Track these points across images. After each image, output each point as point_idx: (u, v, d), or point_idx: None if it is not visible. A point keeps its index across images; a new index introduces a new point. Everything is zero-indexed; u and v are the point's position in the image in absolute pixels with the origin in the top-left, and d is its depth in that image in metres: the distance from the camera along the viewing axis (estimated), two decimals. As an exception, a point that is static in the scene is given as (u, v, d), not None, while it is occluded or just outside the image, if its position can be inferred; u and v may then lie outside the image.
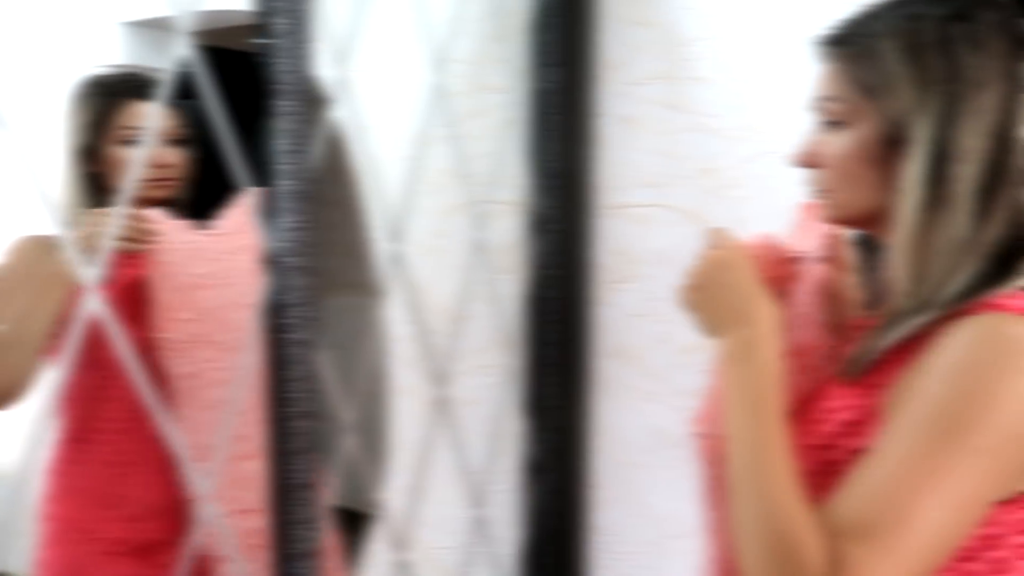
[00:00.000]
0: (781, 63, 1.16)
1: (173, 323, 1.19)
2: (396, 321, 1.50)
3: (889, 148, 0.61)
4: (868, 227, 0.67)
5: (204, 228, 1.30)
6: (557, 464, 1.26)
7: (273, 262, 0.74)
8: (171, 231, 1.25)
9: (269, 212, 0.73)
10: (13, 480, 1.33)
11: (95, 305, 0.62)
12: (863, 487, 0.56)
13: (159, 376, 1.17)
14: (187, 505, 1.16)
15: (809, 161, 0.67)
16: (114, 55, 1.78)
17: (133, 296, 1.21)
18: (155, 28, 1.79)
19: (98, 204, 1.29)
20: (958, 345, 0.57)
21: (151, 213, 1.25)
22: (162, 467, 1.15)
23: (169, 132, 1.28)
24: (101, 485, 1.22)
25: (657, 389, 1.24)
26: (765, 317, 0.62)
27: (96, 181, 1.29)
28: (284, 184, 0.74)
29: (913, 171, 0.60)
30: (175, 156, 1.30)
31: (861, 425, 0.60)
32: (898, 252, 0.60)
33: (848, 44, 0.63)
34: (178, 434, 0.83)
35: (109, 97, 1.29)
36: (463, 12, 1.32)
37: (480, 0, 1.40)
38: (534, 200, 1.28)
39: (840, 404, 0.61)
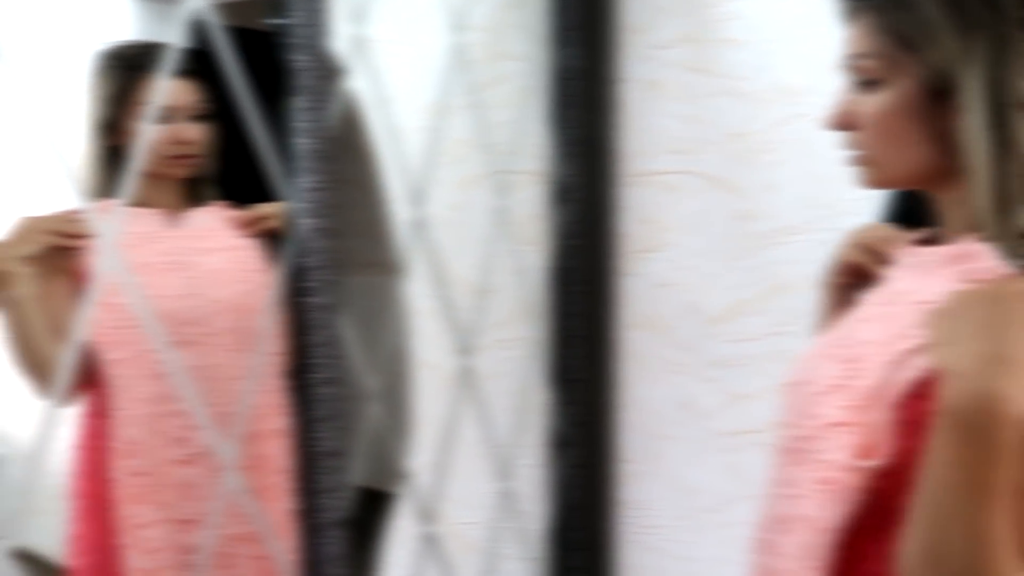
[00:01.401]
0: (812, 21, 1.11)
1: (107, 307, 1.16)
2: (419, 295, 1.48)
3: (934, 101, 0.59)
4: (917, 186, 0.65)
5: (176, 221, 1.29)
6: (583, 438, 1.24)
7: (292, 224, 0.72)
8: (118, 219, 1.24)
9: (287, 173, 0.71)
10: (33, 458, 1.33)
11: (112, 264, 0.60)
12: None
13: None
14: (213, 479, 1.15)
15: (845, 123, 0.64)
16: (124, 30, 1.76)
17: None
18: (165, 2, 1.77)
19: (119, 179, 1.27)
20: None
21: (96, 207, 1.24)
22: (186, 442, 1.15)
23: (191, 107, 1.25)
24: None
25: (686, 360, 1.21)
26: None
27: (117, 155, 1.27)
28: (302, 142, 0.71)
29: (973, 121, 0.58)
30: (196, 132, 1.27)
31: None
32: (981, 203, 0.58)
33: None
34: (201, 407, 0.81)
35: (130, 70, 1.27)
36: (481, -21, 1.29)
37: (498, -34, 1.37)
38: (557, 169, 1.25)
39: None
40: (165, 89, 1.22)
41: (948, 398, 0.53)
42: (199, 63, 1.24)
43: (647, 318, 1.24)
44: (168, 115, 1.22)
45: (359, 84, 1.15)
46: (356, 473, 1.29)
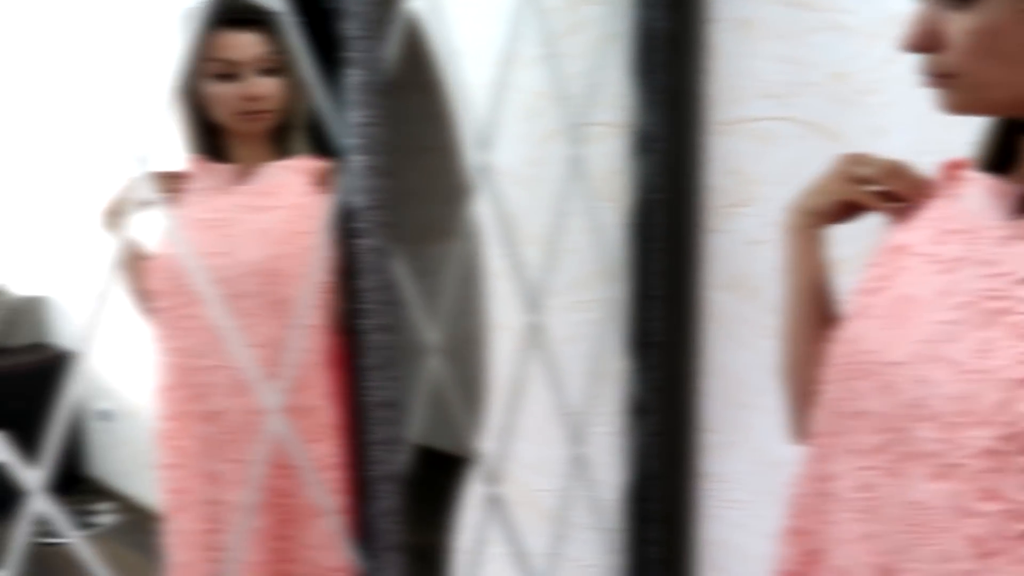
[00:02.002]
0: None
1: (157, 259, 1.19)
2: (494, 255, 1.43)
3: None
4: (1017, 112, 0.56)
5: (247, 176, 1.28)
6: (663, 405, 1.17)
7: (342, 162, 0.67)
8: (202, 179, 1.26)
9: (338, 106, 0.67)
10: (146, 416, 1.38)
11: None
12: None
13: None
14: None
15: (928, 44, 0.55)
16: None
17: None
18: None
19: (208, 139, 1.28)
20: None
21: (189, 163, 1.27)
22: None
23: (260, 61, 1.22)
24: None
25: (775, 324, 1.11)
26: None
27: (201, 117, 1.27)
28: (354, 74, 0.67)
29: None
30: (267, 87, 1.25)
31: None
32: None
33: None
34: (247, 353, 0.79)
35: (201, 27, 1.26)
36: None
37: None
38: (639, 118, 1.17)
39: None
40: (233, 44, 1.21)
41: None
42: (264, 15, 1.22)
43: (734, 278, 1.15)
44: (236, 71, 1.21)
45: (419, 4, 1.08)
46: (424, 434, 1.26)
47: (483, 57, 1.26)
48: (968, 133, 0.92)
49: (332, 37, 0.72)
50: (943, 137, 0.97)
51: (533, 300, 1.00)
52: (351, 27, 0.67)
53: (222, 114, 1.25)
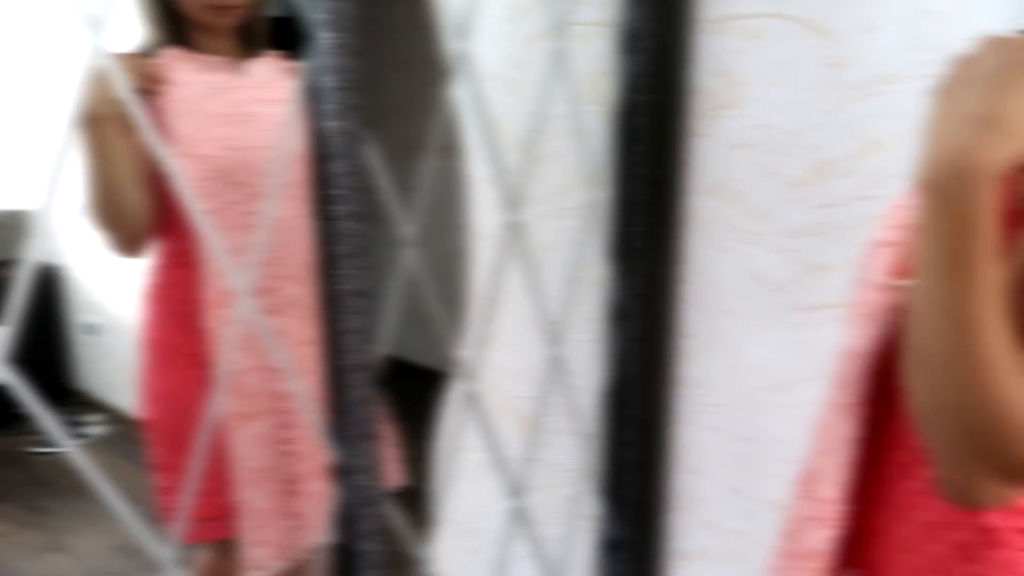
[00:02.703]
0: None
1: (189, 158, 1.16)
2: (475, 162, 1.41)
3: None
4: None
5: (236, 70, 1.26)
6: (642, 310, 1.16)
7: (309, 38, 0.64)
8: (186, 70, 1.22)
9: (304, -22, 0.63)
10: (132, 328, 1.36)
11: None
12: None
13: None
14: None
15: None
16: None
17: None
18: None
19: (173, 30, 1.24)
20: None
21: (164, 54, 1.22)
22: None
23: None
24: (199, 309, 1.23)
25: (760, 229, 1.11)
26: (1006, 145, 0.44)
27: (169, 8, 1.23)
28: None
29: None
30: None
31: None
32: None
33: None
34: (222, 250, 0.77)
35: None
36: None
37: None
38: (625, 16, 1.12)
39: None
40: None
41: (922, 167, 0.47)
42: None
43: (719, 183, 1.14)
44: None
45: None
46: (405, 349, 1.26)
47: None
48: (961, 29, 0.89)
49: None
50: (938, 33, 0.95)
51: (513, 200, 0.98)
52: None
53: (191, 6, 1.21)
